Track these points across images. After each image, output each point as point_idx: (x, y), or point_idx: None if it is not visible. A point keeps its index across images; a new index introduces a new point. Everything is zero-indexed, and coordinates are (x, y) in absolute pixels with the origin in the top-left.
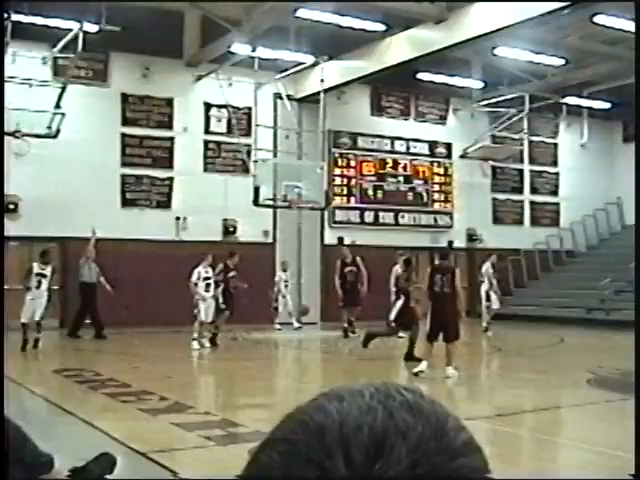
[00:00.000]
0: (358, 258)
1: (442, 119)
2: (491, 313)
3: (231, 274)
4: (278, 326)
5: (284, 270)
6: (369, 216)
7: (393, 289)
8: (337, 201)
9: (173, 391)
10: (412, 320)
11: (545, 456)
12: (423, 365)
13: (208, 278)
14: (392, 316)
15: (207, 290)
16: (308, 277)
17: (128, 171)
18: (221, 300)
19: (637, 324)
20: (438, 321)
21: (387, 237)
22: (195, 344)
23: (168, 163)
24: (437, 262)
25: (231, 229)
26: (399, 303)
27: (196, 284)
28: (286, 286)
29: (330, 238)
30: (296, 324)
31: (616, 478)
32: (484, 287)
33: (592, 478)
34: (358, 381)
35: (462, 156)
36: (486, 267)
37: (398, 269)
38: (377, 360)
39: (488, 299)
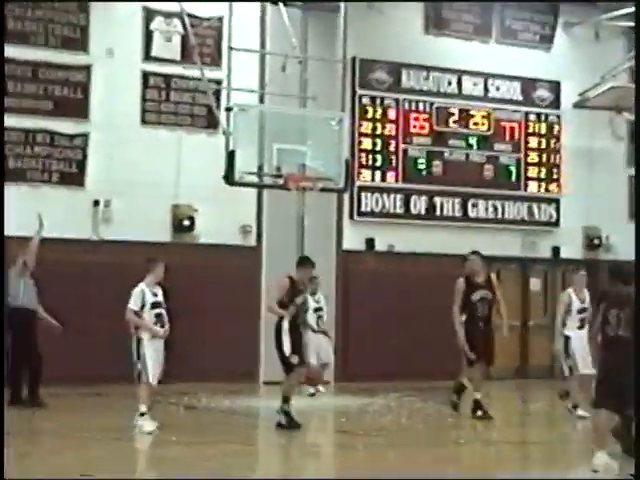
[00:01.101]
0: (493, 276)
1: (545, 41)
2: None
3: (299, 299)
4: (312, 389)
5: (313, 293)
6: (418, 204)
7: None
8: (365, 178)
9: None
10: None
11: None
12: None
13: (158, 304)
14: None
15: (159, 323)
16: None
17: (12, 122)
18: (287, 347)
19: (637, 324)
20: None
21: (448, 239)
22: (146, 424)
23: (80, 110)
24: (610, 288)
25: (186, 222)
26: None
27: (138, 314)
28: (319, 317)
29: (353, 239)
30: (312, 388)
31: (616, 478)
32: None
33: (593, 478)
34: None
35: (579, 104)
36: None
37: (571, 294)
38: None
39: None
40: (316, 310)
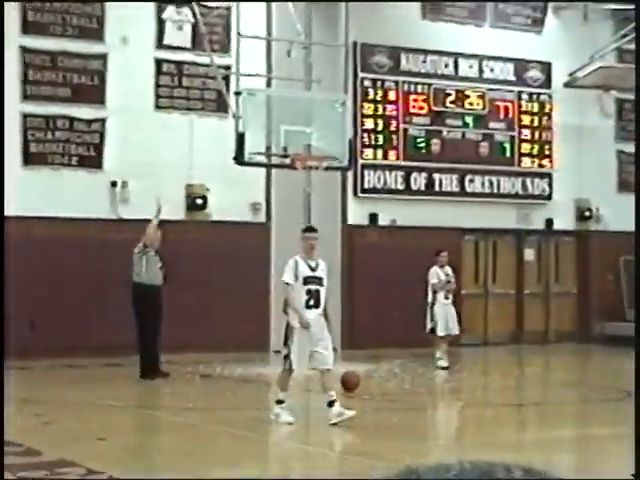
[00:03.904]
0: None
1: (536, 24)
2: None
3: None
4: (444, 362)
5: (442, 265)
6: (418, 180)
7: None
8: (367, 157)
9: (108, 460)
10: None
11: None
12: None
13: (315, 278)
14: None
15: (311, 305)
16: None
17: (32, 108)
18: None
19: (637, 324)
20: None
21: (446, 214)
22: (284, 414)
23: (98, 96)
24: None
25: (199, 201)
26: None
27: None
28: (447, 293)
29: (356, 215)
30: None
31: (616, 478)
32: None
33: (592, 478)
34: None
35: (569, 84)
36: None
37: None
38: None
39: None
40: (448, 283)
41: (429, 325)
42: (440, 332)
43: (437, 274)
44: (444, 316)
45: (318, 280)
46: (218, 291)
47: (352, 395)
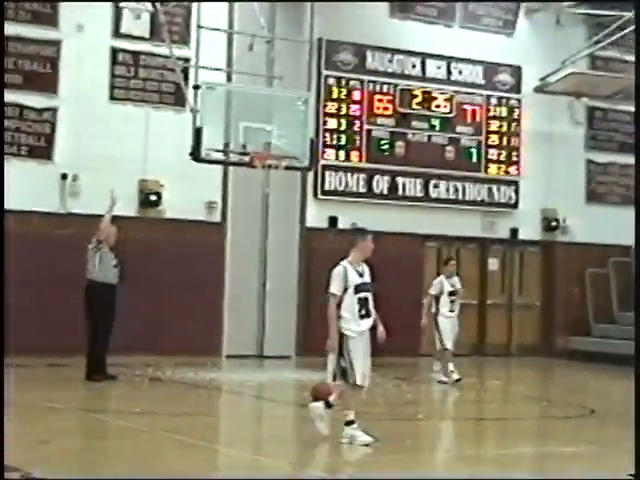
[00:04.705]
0: None
1: (507, 26)
2: None
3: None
4: (444, 377)
5: (449, 275)
6: (381, 184)
7: None
8: (329, 157)
9: (51, 466)
10: None
11: None
12: None
13: (364, 285)
14: None
15: (363, 315)
16: (278, 282)
17: None
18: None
19: (637, 326)
20: None
21: (409, 219)
22: (358, 434)
23: (50, 84)
24: None
25: (152, 197)
26: None
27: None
28: (453, 301)
29: (315, 217)
30: (455, 375)
31: (616, 478)
32: None
33: (592, 478)
34: None
35: (539, 89)
36: None
37: None
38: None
39: None
40: (451, 294)
41: (436, 338)
42: (448, 345)
43: (441, 285)
44: (450, 328)
45: (367, 286)
46: (169, 292)
47: (307, 404)
